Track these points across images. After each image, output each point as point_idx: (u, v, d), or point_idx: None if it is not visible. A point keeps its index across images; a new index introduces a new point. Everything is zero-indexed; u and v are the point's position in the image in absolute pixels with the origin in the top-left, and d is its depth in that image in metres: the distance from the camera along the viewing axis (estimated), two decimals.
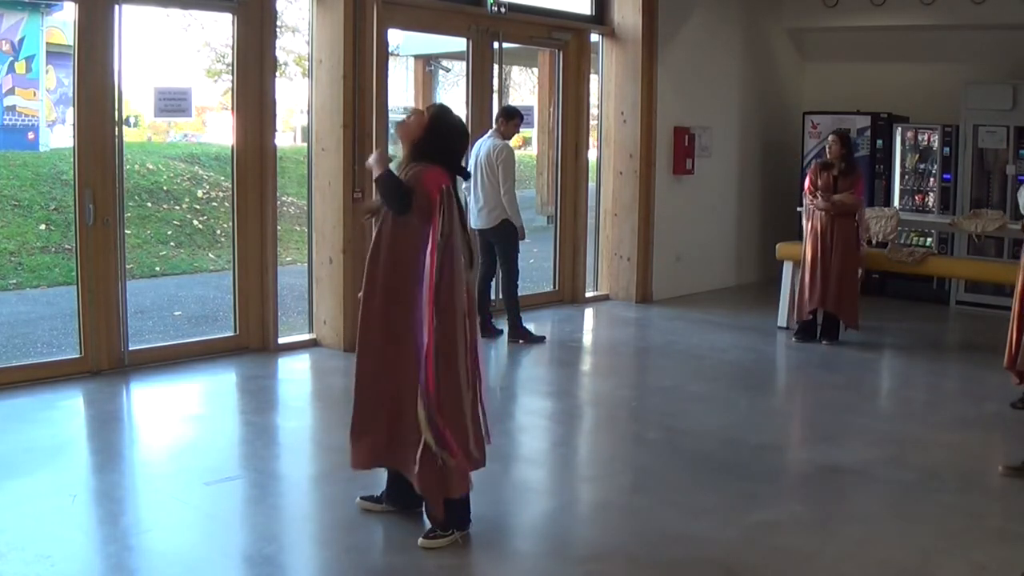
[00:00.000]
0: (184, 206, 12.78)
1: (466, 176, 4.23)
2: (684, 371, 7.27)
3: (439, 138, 4.17)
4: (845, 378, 7.15)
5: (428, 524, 4.12)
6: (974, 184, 9.84)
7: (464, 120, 7.43)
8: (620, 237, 9.79)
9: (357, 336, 4.21)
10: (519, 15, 8.80)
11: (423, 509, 4.20)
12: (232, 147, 7.22)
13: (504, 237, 7.80)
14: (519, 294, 8.09)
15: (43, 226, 11.13)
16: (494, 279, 8.15)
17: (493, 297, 8.38)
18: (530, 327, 8.05)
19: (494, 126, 7.94)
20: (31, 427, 5.52)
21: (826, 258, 7.89)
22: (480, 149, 7.79)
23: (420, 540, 4.03)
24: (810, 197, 8.00)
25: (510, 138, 7.95)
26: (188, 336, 7.99)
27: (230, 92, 7.32)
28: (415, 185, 4.05)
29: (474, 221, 7.71)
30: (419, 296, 4.01)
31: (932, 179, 10.17)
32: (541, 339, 8.02)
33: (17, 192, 11.43)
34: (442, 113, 4.26)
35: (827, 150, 8.03)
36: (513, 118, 7.86)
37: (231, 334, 7.33)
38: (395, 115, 8.14)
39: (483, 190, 7.74)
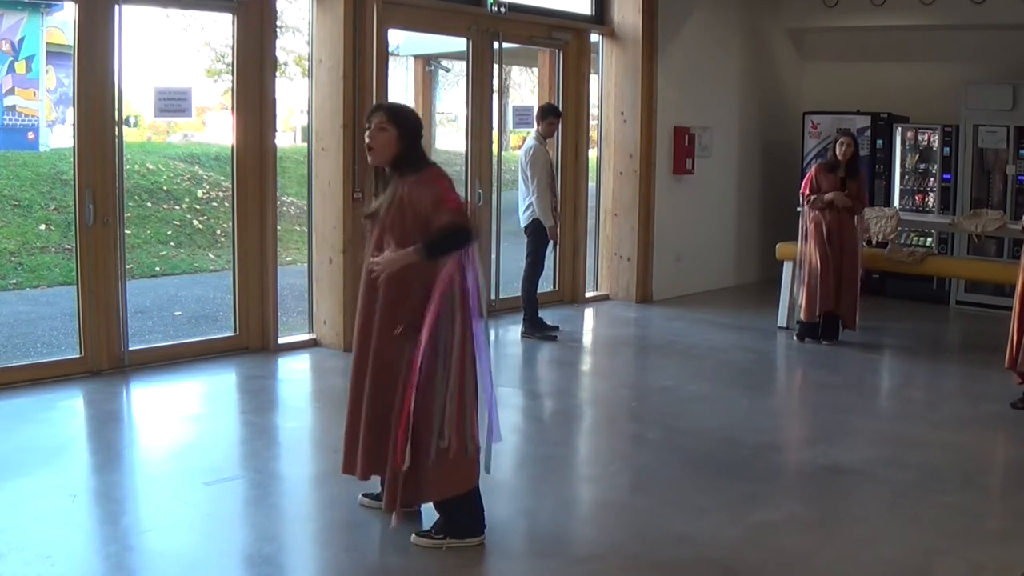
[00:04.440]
0: (184, 206, 12.77)
1: None
2: (684, 371, 7.27)
3: (414, 136, 3.96)
4: (845, 378, 7.15)
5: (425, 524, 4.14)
6: (974, 184, 9.84)
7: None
8: (620, 237, 9.79)
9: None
10: (519, 15, 8.80)
11: (420, 509, 4.22)
12: (232, 147, 7.22)
13: (533, 233, 7.98)
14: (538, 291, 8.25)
15: (43, 226, 11.13)
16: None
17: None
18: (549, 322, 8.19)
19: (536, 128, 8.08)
20: (31, 427, 5.52)
21: (835, 260, 7.88)
22: (521, 150, 7.97)
23: (412, 536, 4.06)
24: (811, 199, 7.96)
25: (550, 137, 8.08)
26: (188, 336, 7.99)
27: (230, 92, 7.32)
28: (435, 206, 3.81)
29: (520, 221, 8.03)
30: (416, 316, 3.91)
31: (932, 179, 10.17)
32: (555, 329, 8.12)
33: (17, 192, 11.42)
34: (397, 113, 3.99)
35: (838, 151, 7.83)
36: (546, 117, 7.95)
37: (231, 334, 7.34)
38: None
39: (519, 190, 7.95)
